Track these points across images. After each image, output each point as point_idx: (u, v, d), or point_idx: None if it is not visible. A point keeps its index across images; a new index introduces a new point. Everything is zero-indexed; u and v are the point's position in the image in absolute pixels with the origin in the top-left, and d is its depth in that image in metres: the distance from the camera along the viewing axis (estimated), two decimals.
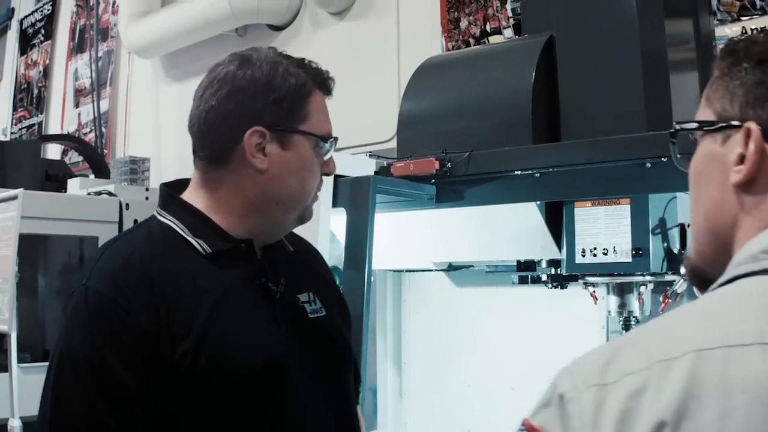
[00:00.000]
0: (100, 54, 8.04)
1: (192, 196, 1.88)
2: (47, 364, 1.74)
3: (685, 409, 0.95)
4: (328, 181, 2.54)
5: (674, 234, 2.64)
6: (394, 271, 3.71)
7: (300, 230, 2.51)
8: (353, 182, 2.59)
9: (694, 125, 1.20)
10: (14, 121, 9.25)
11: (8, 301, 3.61)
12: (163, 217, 1.85)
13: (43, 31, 8.90)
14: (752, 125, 1.11)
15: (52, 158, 7.73)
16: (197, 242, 1.80)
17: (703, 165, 1.18)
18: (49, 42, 8.78)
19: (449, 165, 2.75)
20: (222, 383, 1.71)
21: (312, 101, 1.86)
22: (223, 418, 1.71)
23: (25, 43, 9.26)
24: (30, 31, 9.18)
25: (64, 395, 1.68)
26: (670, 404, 0.96)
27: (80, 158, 7.04)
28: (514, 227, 2.93)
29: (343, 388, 1.95)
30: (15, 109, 9.30)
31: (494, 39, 4.78)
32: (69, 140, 7.54)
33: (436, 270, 3.48)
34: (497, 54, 3.13)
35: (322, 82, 1.90)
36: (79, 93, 8.36)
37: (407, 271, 3.70)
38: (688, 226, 2.56)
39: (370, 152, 3.04)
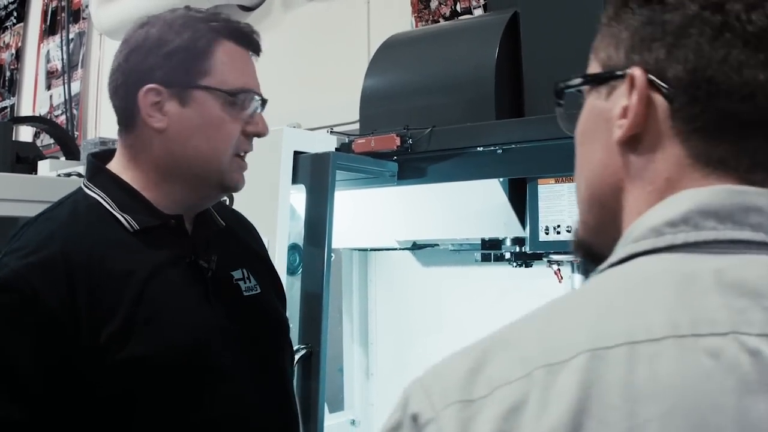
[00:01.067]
0: (71, 36, 7.97)
1: (118, 167, 1.81)
2: None
3: (580, 428, 0.75)
4: (287, 157, 2.52)
5: None
6: (360, 250, 3.69)
7: (259, 206, 2.49)
8: (313, 158, 2.56)
9: (578, 81, 1.01)
10: None
11: None
12: (90, 190, 1.78)
13: (15, 14, 8.82)
14: (636, 71, 0.92)
15: (24, 140, 7.69)
16: (124, 218, 1.73)
17: (587, 124, 1.00)
18: (21, 24, 8.70)
19: (410, 141, 2.73)
20: (152, 365, 1.64)
21: (216, 55, 1.76)
22: (156, 400, 1.65)
23: None
24: (2, 14, 9.09)
25: None
26: (560, 423, 0.75)
27: (52, 140, 6.98)
28: (478, 205, 2.90)
29: (280, 365, 1.90)
30: None
31: (464, 18, 4.76)
32: (39, 122, 7.47)
33: (400, 249, 3.45)
34: (461, 30, 3.10)
35: (234, 33, 1.80)
36: (51, 75, 8.29)
37: (372, 250, 3.67)
38: None
39: (331, 129, 3.02)
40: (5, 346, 1.57)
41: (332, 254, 2.67)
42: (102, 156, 1.86)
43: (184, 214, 1.81)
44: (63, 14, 8.04)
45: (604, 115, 0.96)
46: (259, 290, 1.90)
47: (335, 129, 3.26)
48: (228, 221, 1.95)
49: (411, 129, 2.75)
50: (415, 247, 3.43)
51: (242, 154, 1.81)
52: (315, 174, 2.54)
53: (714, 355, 0.77)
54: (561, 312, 0.87)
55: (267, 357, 1.85)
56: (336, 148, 2.78)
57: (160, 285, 1.71)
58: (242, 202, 2.58)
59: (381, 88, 3.01)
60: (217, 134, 1.75)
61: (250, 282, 1.89)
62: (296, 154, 2.56)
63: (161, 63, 1.74)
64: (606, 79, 0.96)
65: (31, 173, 5.31)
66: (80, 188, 1.81)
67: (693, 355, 0.77)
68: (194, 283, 1.77)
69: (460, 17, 4.81)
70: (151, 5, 6.49)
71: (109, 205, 1.75)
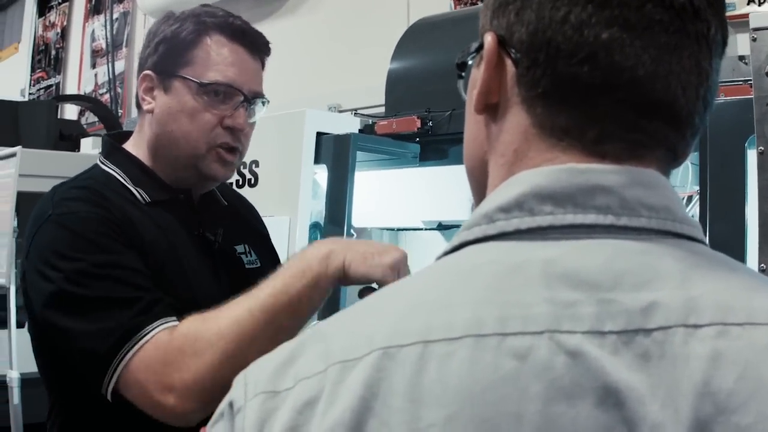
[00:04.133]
0: (116, 15, 8.06)
1: (132, 146, 1.91)
2: None
3: (363, 427, 0.71)
4: (309, 138, 2.58)
5: None
6: (389, 229, 3.74)
7: (282, 186, 2.56)
8: (335, 140, 2.62)
9: (466, 52, 0.89)
10: (32, 82, 9.30)
11: (6, 255, 3.67)
12: (106, 166, 1.88)
13: None
14: (488, 36, 0.83)
15: (69, 118, 7.80)
16: (137, 191, 1.82)
17: (467, 96, 0.89)
18: (67, 4, 8.81)
19: (431, 123, 2.77)
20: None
21: (200, 47, 1.84)
22: None
23: (43, 5, 9.29)
24: None
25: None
26: (342, 420, 0.71)
27: (96, 118, 7.08)
28: None
29: None
30: (33, 70, 9.34)
31: None
32: (83, 100, 7.58)
33: (426, 229, 3.50)
34: None
35: (226, 28, 1.87)
36: (95, 54, 8.39)
37: (399, 229, 3.72)
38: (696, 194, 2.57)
39: (355, 111, 3.07)
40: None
41: (354, 233, 2.73)
42: (117, 136, 1.96)
43: (192, 191, 1.90)
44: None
45: (472, 84, 0.87)
46: (259, 264, 1.98)
47: (374, 111, 3.30)
48: (231, 200, 2.05)
49: (433, 112, 2.79)
50: (441, 227, 3.48)
51: (223, 146, 1.85)
52: (336, 155, 2.60)
53: (520, 357, 0.70)
54: (376, 304, 0.82)
55: None
56: (359, 130, 2.83)
57: (179, 253, 1.80)
58: (266, 182, 2.64)
59: (406, 71, 3.06)
60: (190, 123, 1.82)
61: (251, 256, 1.98)
62: (319, 135, 2.62)
63: (152, 52, 1.86)
64: (479, 47, 0.85)
65: (74, 150, 5.41)
66: (96, 164, 1.91)
67: (492, 356, 0.70)
68: (203, 254, 1.86)
69: None
70: None
71: (123, 179, 1.84)
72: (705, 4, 0.78)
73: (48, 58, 9.05)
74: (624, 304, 0.71)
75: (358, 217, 3.14)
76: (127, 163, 1.87)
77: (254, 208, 2.19)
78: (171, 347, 1.58)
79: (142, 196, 1.83)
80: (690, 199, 2.41)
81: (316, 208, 2.62)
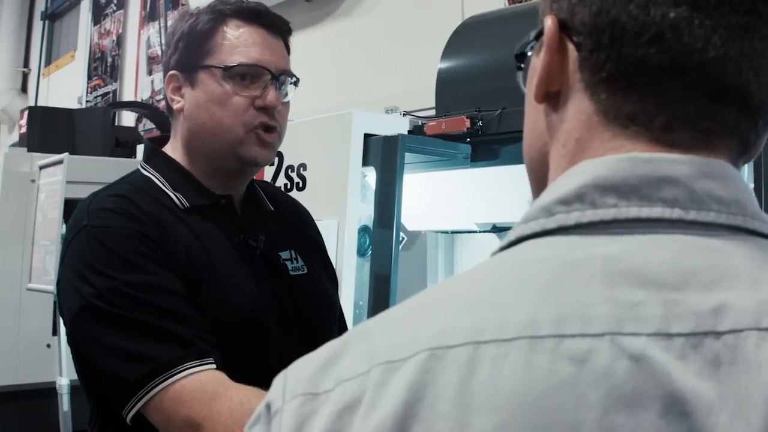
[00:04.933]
0: (170, 21, 8.12)
1: (171, 149, 1.89)
2: None
3: None
4: (357, 140, 2.54)
5: None
6: (443, 232, 3.69)
7: (330, 189, 2.52)
8: (383, 141, 2.58)
9: (526, 42, 0.85)
10: (89, 89, 9.40)
11: (55, 261, 3.68)
12: (146, 171, 1.86)
13: (115, 1, 9.01)
14: (548, 19, 0.78)
15: (126, 125, 7.87)
16: (176, 196, 1.80)
17: (527, 86, 0.84)
18: (122, 11, 8.89)
19: (480, 123, 2.72)
20: (218, 327, 1.69)
21: (218, 35, 1.83)
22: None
23: (98, 13, 9.39)
24: (102, 1, 9.30)
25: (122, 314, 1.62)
26: (383, 426, 0.66)
27: (153, 125, 7.13)
28: None
29: (325, 341, 1.93)
30: (90, 77, 9.45)
31: None
32: (138, 107, 7.64)
33: (480, 231, 3.45)
34: (532, 12, 3.07)
35: (240, 12, 1.86)
36: (152, 61, 8.45)
37: (453, 232, 3.68)
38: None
39: (404, 111, 3.03)
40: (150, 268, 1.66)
41: (404, 236, 2.69)
42: (159, 140, 1.94)
43: (233, 195, 1.87)
44: (161, 0, 8.19)
45: (532, 73, 0.82)
46: (305, 270, 1.94)
47: (430, 113, 3.27)
48: (280, 205, 2.01)
49: (483, 111, 2.74)
50: (495, 229, 3.42)
51: (260, 127, 1.83)
52: (385, 156, 2.55)
53: (578, 361, 0.64)
54: (426, 301, 0.75)
55: (313, 333, 1.87)
56: (409, 131, 2.79)
57: (219, 258, 1.78)
58: (314, 185, 2.61)
59: (455, 71, 3.02)
60: (222, 109, 1.81)
61: (297, 263, 1.93)
62: (367, 136, 2.58)
63: (174, 51, 1.86)
64: (538, 34, 0.81)
65: (131, 157, 5.45)
66: (137, 169, 1.90)
67: (548, 360, 0.64)
68: (243, 261, 1.82)
69: None
70: None
71: (162, 183, 1.82)
72: None
73: (104, 66, 9.14)
74: (692, 305, 0.66)
75: (411, 220, 3.10)
76: (167, 166, 1.86)
77: (308, 213, 2.15)
78: (204, 391, 1.58)
79: (180, 201, 1.81)
80: None
81: (365, 211, 2.58)
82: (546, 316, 0.66)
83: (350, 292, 2.47)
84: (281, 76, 1.86)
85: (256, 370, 1.71)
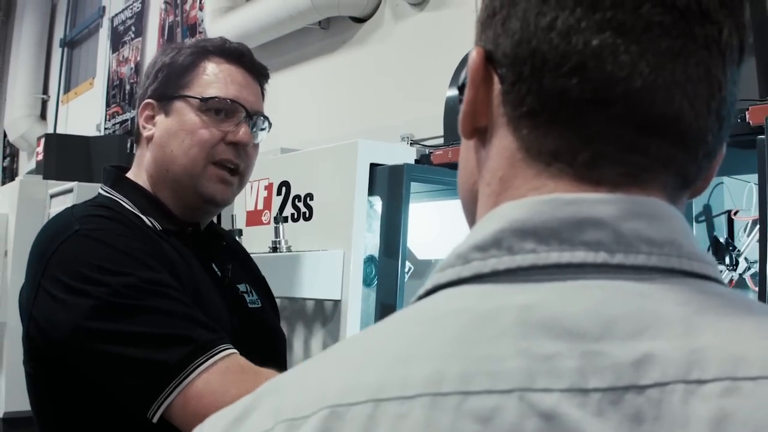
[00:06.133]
0: None
1: (134, 177, 1.90)
2: None
3: None
4: (362, 170, 2.54)
5: (720, 222, 2.56)
6: None
7: (335, 218, 2.51)
8: (389, 171, 2.57)
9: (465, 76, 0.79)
10: (108, 117, 9.44)
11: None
12: (111, 195, 1.85)
13: (133, 29, 9.06)
14: (472, 52, 0.75)
15: None
16: (148, 219, 1.81)
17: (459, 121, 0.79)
18: (140, 39, 8.94)
19: None
20: None
21: (198, 69, 1.86)
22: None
23: (117, 41, 9.44)
24: (121, 28, 9.36)
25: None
26: None
27: None
28: None
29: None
30: (108, 105, 9.49)
31: None
32: None
33: None
34: None
35: (222, 51, 1.89)
36: None
37: None
38: (735, 213, 2.49)
39: (412, 140, 3.02)
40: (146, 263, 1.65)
41: (411, 266, 2.68)
42: (120, 168, 1.96)
43: (200, 224, 1.91)
44: (179, 29, 8.22)
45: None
46: (260, 304, 1.98)
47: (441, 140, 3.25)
48: (229, 241, 2.08)
49: None
50: None
51: (224, 163, 1.86)
52: (390, 186, 2.55)
53: (483, 420, 0.59)
54: (336, 354, 0.72)
55: (265, 364, 1.86)
56: (416, 160, 2.78)
57: (192, 280, 1.77)
58: (320, 215, 2.61)
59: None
60: (191, 139, 1.83)
61: (252, 296, 1.97)
62: (373, 166, 2.58)
63: (152, 81, 1.89)
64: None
65: None
66: (98, 194, 1.89)
67: (450, 419, 0.60)
68: (216, 288, 1.84)
69: None
70: (262, 18, 6.62)
71: (130, 206, 1.82)
72: (716, 5, 0.67)
73: (123, 93, 9.18)
74: (613, 357, 0.61)
75: (419, 249, 3.09)
76: (134, 192, 1.86)
77: (246, 251, 2.19)
78: (246, 370, 1.59)
79: (153, 224, 1.81)
80: (756, 222, 2.33)
81: (372, 241, 2.57)
82: (451, 372, 0.62)
83: (356, 323, 2.46)
84: (254, 116, 1.89)
85: None
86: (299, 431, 0.63)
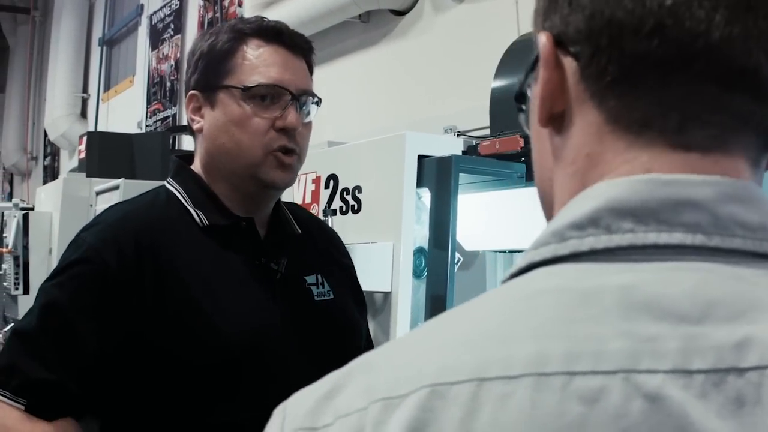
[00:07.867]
0: None
1: (195, 166, 1.92)
2: None
3: None
4: (410, 162, 2.54)
5: None
6: (502, 251, 3.67)
7: (385, 210, 2.52)
8: (437, 162, 2.57)
9: (523, 80, 0.81)
10: (149, 114, 9.49)
11: None
12: (171, 186, 1.88)
13: (172, 26, 9.10)
14: (541, 37, 0.74)
15: (187, 149, 7.92)
16: (197, 213, 1.82)
17: (530, 114, 0.80)
18: (179, 36, 8.97)
19: None
20: (187, 358, 1.71)
21: (237, 54, 1.83)
22: (186, 392, 1.71)
23: (156, 38, 9.48)
24: (160, 26, 9.40)
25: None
26: None
27: None
28: None
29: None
30: (149, 102, 9.54)
31: None
32: None
33: None
34: None
35: (260, 31, 1.86)
36: None
37: (511, 251, 3.65)
38: None
39: (459, 131, 3.02)
40: (72, 310, 1.69)
41: (460, 257, 2.67)
42: (187, 158, 1.96)
43: (255, 217, 1.87)
44: (218, 25, 8.23)
45: (534, 98, 0.78)
46: (332, 296, 1.94)
47: (487, 131, 3.24)
48: (308, 229, 2.01)
49: None
50: None
51: (280, 150, 1.84)
52: (439, 177, 2.54)
53: (589, 401, 0.59)
54: (431, 333, 0.71)
55: (330, 359, 1.85)
56: (463, 151, 2.78)
57: (222, 279, 1.77)
58: (368, 207, 2.61)
59: (508, 89, 3.00)
60: (241, 131, 1.81)
61: (323, 287, 1.93)
62: (421, 158, 2.57)
63: (194, 71, 1.87)
64: (536, 60, 0.76)
65: None
66: (163, 185, 1.92)
67: (556, 399, 0.59)
68: (261, 284, 1.82)
69: None
70: (302, 12, 6.63)
71: (184, 199, 1.84)
72: None
73: (163, 90, 9.22)
74: (714, 339, 0.60)
75: (468, 240, 3.08)
76: (191, 182, 1.87)
77: (338, 237, 2.16)
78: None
79: (201, 219, 1.81)
80: None
81: (420, 232, 2.57)
82: (555, 352, 0.61)
83: (406, 314, 2.46)
84: (302, 97, 1.86)
85: (271, 391, 1.71)
86: (398, 410, 0.63)
